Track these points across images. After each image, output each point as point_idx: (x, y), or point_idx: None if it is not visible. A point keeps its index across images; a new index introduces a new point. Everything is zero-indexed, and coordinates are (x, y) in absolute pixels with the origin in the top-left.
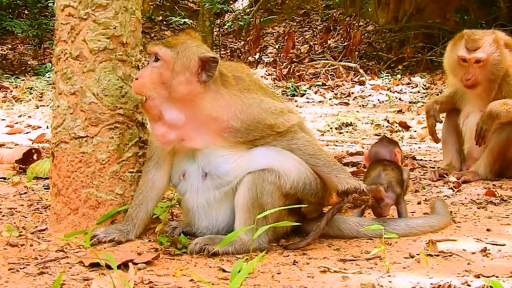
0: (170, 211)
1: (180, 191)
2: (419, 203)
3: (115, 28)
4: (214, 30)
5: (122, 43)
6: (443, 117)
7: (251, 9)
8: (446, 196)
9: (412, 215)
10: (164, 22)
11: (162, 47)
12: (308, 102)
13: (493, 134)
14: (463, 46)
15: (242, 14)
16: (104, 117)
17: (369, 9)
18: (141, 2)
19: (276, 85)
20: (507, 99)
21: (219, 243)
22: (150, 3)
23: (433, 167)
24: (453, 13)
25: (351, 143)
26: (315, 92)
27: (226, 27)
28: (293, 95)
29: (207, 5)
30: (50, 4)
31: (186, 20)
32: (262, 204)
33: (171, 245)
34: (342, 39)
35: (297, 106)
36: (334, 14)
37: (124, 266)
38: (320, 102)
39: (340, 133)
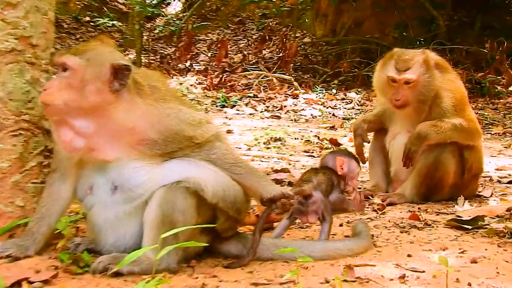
0: (75, 226)
1: (86, 205)
2: (341, 225)
3: (24, 28)
4: (144, 34)
5: (32, 45)
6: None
7: (184, 14)
8: (369, 218)
9: (333, 237)
10: (92, 24)
11: (70, 55)
12: (238, 114)
13: (421, 156)
14: (393, 66)
15: (175, 19)
16: (8, 123)
17: (307, 20)
18: (55, 2)
19: (206, 95)
20: (437, 121)
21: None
22: (77, 3)
23: (359, 188)
24: (392, 29)
25: (278, 159)
26: (246, 104)
27: (156, 31)
28: (223, 106)
29: (137, 7)
30: None
31: (115, 22)
32: (173, 221)
33: (72, 263)
34: (277, 50)
35: (226, 118)
36: (271, 23)
37: (18, 284)
38: (250, 114)
39: (268, 148)
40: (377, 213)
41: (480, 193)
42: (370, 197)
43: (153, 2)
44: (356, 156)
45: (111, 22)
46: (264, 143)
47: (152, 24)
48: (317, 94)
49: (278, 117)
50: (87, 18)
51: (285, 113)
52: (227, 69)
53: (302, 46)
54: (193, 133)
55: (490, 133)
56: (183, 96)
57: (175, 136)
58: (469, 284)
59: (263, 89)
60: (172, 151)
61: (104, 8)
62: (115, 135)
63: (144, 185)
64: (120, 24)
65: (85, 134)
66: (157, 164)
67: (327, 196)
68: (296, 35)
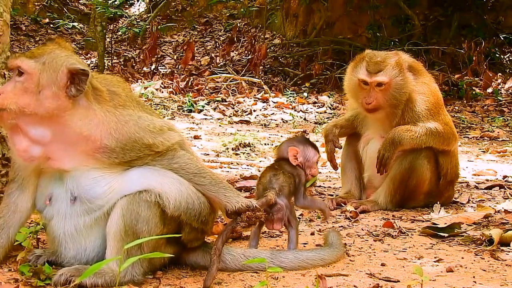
0: (35, 237)
1: (45, 216)
2: (312, 233)
3: None
4: (106, 36)
5: None
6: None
7: (148, 15)
8: (342, 226)
9: (304, 246)
10: (51, 25)
11: (25, 59)
12: (206, 119)
13: (395, 162)
14: (364, 68)
15: (138, 20)
16: None
17: (276, 21)
18: (11, 3)
19: (172, 99)
20: (410, 126)
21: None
22: (36, 4)
23: (332, 195)
24: (365, 29)
25: (247, 165)
26: (214, 109)
27: (120, 33)
28: (190, 111)
29: (99, 8)
30: None
31: (76, 24)
32: (137, 232)
33: (33, 275)
34: (246, 52)
35: (193, 123)
36: (239, 24)
37: None
38: (219, 119)
39: (237, 154)
40: (350, 221)
41: (457, 200)
42: (343, 205)
43: (116, 2)
44: (314, 143)
45: (71, 24)
46: (232, 149)
47: (115, 25)
48: (287, 97)
49: (248, 122)
50: (47, 20)
51: (255, 118)
52: (193, 72)
53: (272, 48)
54: (153, 141)
55: (468, 137)
56: (146, 102)
57: (134, 144)
58: None
59: (232, 93)
60: (132, 159)
61: (64, 9)
62: (71, 143)
63: (104, 196)
64: (81, 25)
65: (41, 142)
66: (118, 174)
67: (292, 196)
68: (266, 36)
